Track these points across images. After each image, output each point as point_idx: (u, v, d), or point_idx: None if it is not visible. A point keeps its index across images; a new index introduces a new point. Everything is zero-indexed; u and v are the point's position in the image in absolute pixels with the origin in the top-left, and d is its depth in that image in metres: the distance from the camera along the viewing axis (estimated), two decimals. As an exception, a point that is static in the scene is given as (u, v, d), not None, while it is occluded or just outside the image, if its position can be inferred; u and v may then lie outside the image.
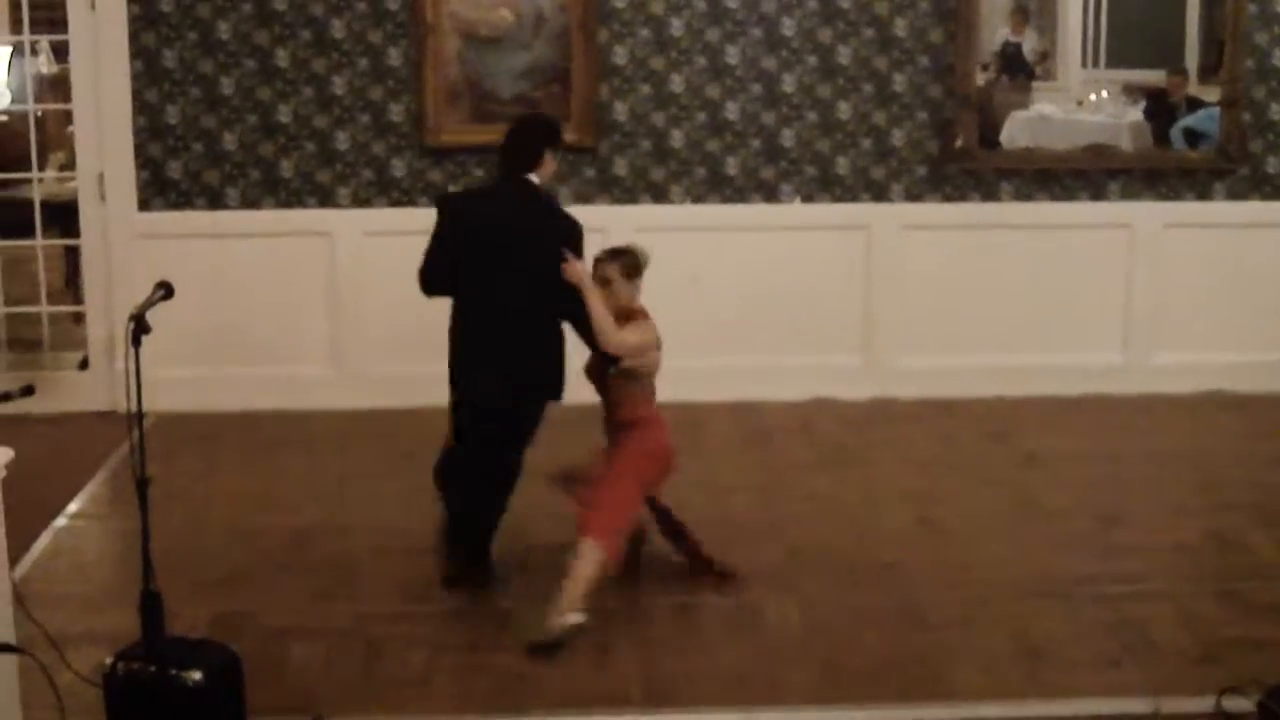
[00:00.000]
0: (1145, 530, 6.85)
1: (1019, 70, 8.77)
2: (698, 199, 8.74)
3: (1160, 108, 8.85)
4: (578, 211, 8.21)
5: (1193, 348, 8.92)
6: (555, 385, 6.07)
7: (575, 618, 5.63)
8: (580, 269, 5.94)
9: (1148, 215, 8.88)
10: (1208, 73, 8.82)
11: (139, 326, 4.76)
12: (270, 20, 8.51)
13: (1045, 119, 8.80)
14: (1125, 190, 8.88)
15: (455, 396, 6.18)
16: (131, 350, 4.74)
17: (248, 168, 8.63)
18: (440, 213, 6.17)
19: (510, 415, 6.04)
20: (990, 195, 8.84)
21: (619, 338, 5.88)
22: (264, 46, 8.52)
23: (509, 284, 5.98)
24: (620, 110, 8.64)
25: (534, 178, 6.11)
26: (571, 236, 6.02)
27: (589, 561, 5.68)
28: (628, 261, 6.03)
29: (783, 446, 8.10)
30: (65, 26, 8.54)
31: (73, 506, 7.23)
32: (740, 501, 7.22)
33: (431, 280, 6.18)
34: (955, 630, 5.77)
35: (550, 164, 6.17)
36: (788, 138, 8.74)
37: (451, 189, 8.59)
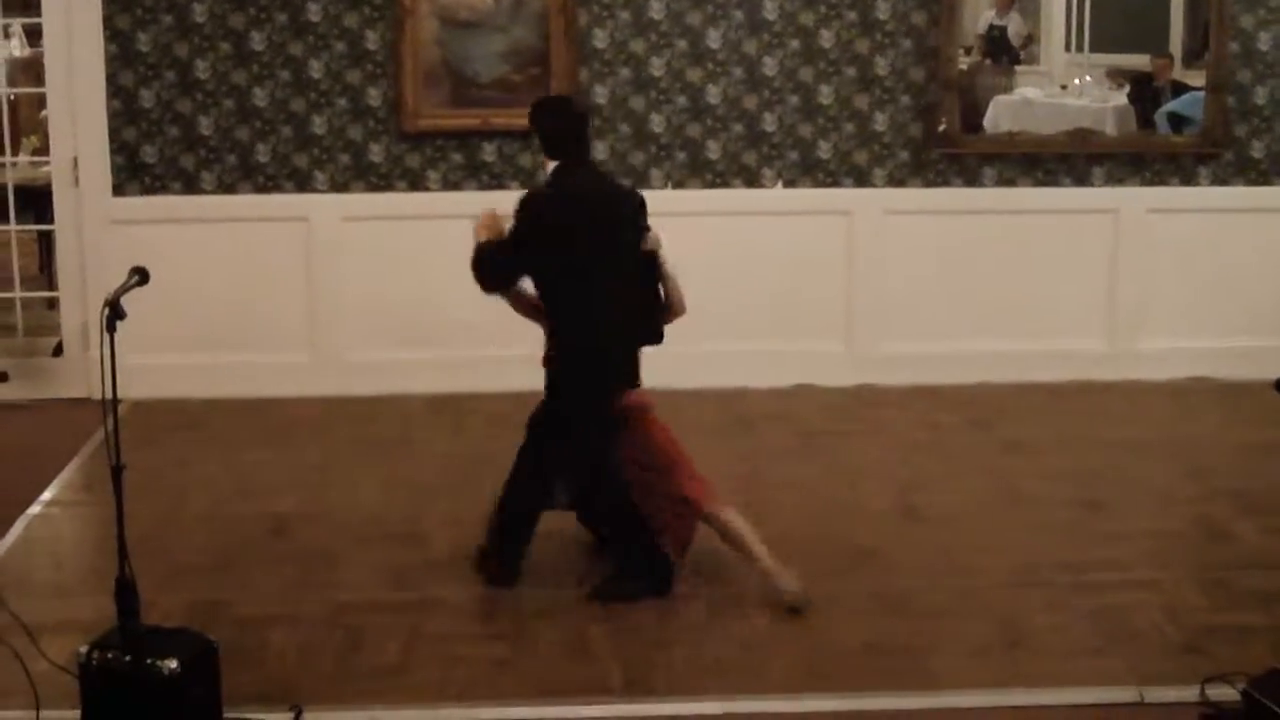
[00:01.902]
0: (1129, 518, 6.82)
1: (1003, 54, 8.73)
2: (679, 184, 8.68)
3: (1144, 92, 8.82)
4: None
5: (1177, 334, 8.91)
6: None
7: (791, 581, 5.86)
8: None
9: (1132, 200, 8.85)
10: (1192, 57, 8.80)
11: (114, 312, 4.70)
12: (246, 3, 8.43)
13: (1029, 103, 8.76)
14: (1109, 175, 8.85)
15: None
16: (106, 336, 4.67)
17: (223, 152, 8.56)
18: (542, 215, 5.91)
19: None
20: (973, 180, 8.81)
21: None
22: (240, 30, 8.45)
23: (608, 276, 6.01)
24: (600, 94, 8.59)
25: None
26: (643, 210, 6.11)
27: (736, 521, 5.98)
28: None
29: (765, 433, 8.07)
30: (38, 9, 8.47)
31: (47, 494, 7.16)
32: (722, 489, 7.10)
33: (502, 279, 6.07)
34: (938, 618, 5.75)
35: None
36: (769, 122, 8.69)
37: (429, 174, 8.56)
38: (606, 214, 5.95)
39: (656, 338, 6.18)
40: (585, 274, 5.85)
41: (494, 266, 5.90)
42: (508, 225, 5.88)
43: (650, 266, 6.04)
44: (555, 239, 5.82)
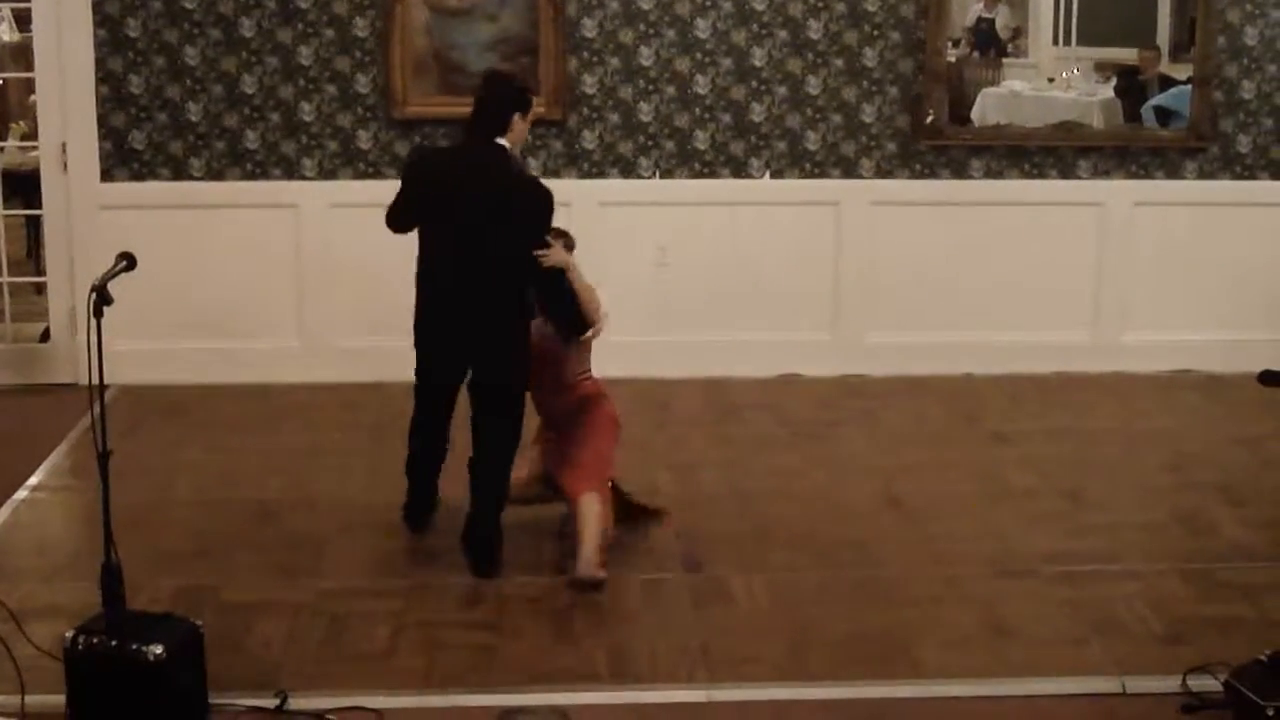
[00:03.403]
0: (1113, 509, 6.85)
1: (991, 46, 8.74)
2: (666, 173, 8.69)
3: (1131, 85, 8.84)
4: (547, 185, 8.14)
5: (1162, 327, 8.94)
6: (511, 367, 6.04)
7: (601, 573, 5.76)
8: (560, 251, 5.95)
9: (1118, 193, 8.87)
10: (1179, 50, 8.81)
11: (101, 298, 4.70)
12: (236, -11, 8.44)
13: (1016, 96, 8.77)
14: (1096, 168, 8.87)
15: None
16: (93, 322, 4.68)
17: (212, 138, 8.55)
18: (409, 166, 6.10)
19: (470, 388, 6.10)
20: (960, 172, 8.82)
21: (601, 311, 5.98)
22: (229, 16, 8.44)
23: (473, 253, 5.90)
24: (589, 83, 8.59)
25: (504, 142, 5.98)
26: (542, 207, 5.95)
27: (594, 514, 5.85)
28: (569, 240, 6.12)
29: (751, 423, 8.08)
30: (28, -6, 8.45)
31: (33, 479, 7.16)
32: (708, 478, 7.19)
33: (396, 224, 6.26)
34: (922, 608, 5.76)
35: (520, 128, 6.04)
36: (757, 112, 8.70)
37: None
38: (469, 192, 5.94)
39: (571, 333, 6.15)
40: (434, 238, 6.03)
41: (391, 207, 6.22)
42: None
43: (557, 278, 5.98)
44: (413, 192, 6.11)
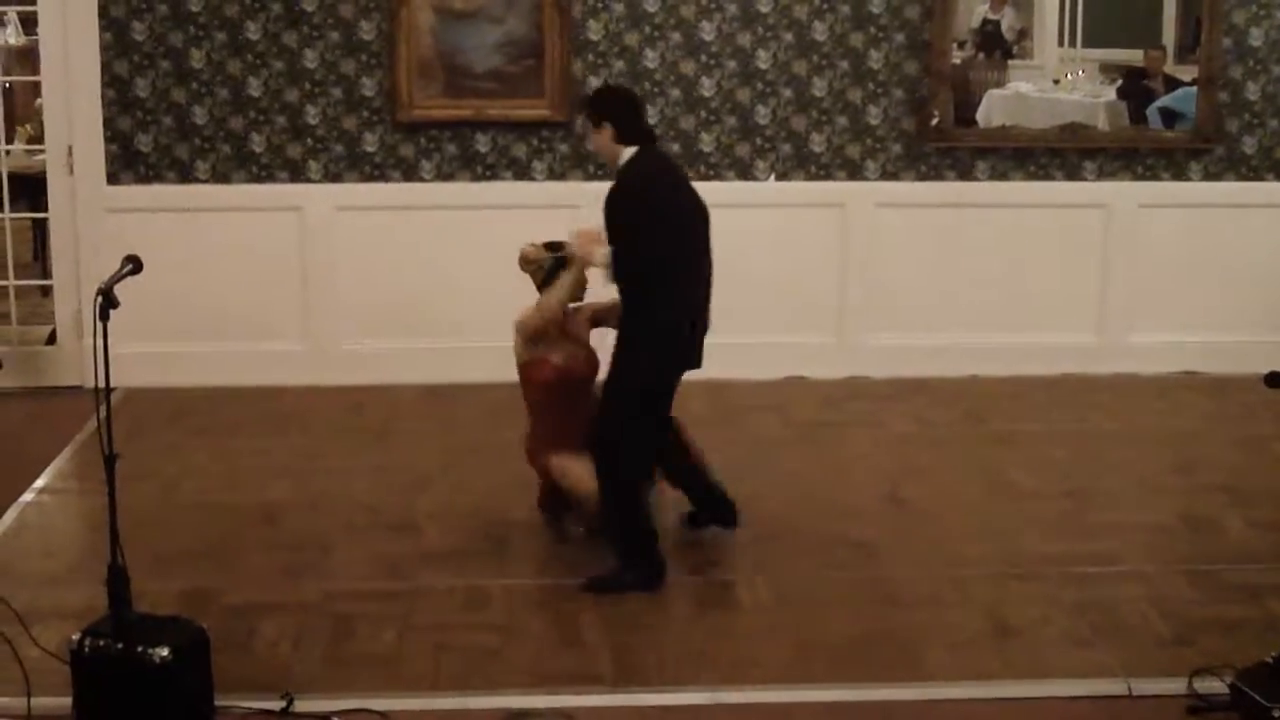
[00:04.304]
0: (1118, 511, 6.84)
1: (996, 48, 8.74)
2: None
3: (1137, 87, 8.83)
4: (553, 188, 8.22)
5: (1167, 328, 8.94)
6: None
7: None
8: None
9: (1123, 195, 8.87)
10: (1185, 52, 8.81)
11: (107, 301, 4.72)
12: (241, -8, 8.45)
13: (1022, 97, 8.77)
14: (1101, 170, 8.87)
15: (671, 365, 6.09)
16: (99, 325, 4.69)
17: (218, 141, 8.56)
18: (658, 197, 5.90)
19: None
20: (966, 174, 8.82)
21: None
22: (234, 19, 8.44)
23: (707, 252, 6.12)
24: (594, 85, 8.59)
25: None
26: None
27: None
28: None
29: (756, 425, 8.08)
30: (34, -3, 8.47)
31: (40, 482, 7.17)
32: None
33: (662, 268, 5.91)
34: (927, 609, 5.76)
35: None
36: (763, 115, 8.70)
37: (423, 164, 8.56)
38: (693, 199, 6.09)
39: None
40: (688, 251, 5.98)
41: (644, 263, 5.86)
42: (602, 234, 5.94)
43: None
44: (669, 217, 5.90)
